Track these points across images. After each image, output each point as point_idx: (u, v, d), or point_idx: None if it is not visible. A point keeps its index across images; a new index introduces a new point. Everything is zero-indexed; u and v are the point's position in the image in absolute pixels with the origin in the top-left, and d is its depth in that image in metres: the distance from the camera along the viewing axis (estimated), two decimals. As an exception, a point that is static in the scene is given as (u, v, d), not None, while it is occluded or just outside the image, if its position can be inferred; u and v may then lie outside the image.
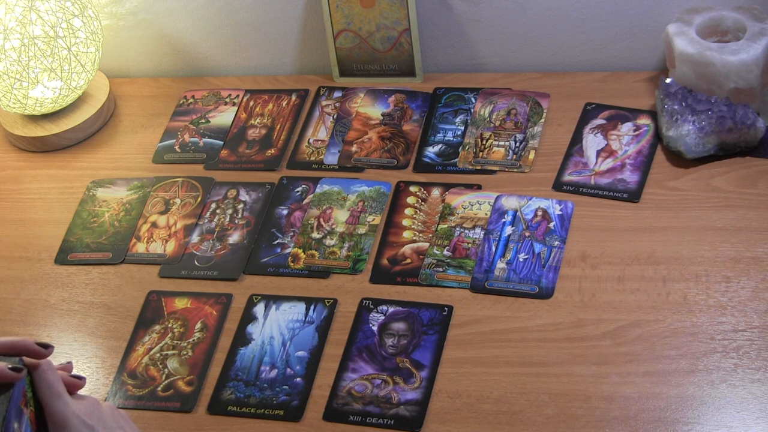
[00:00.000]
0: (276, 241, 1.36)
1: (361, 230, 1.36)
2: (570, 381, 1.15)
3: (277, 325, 1.26)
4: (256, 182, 1.45)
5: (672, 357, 1.15)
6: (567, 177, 1.37)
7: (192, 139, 1.54)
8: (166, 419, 1.19)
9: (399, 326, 1.24)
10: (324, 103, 1.55)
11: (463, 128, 1.46)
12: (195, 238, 1.39)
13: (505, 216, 1.33)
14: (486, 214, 1.34)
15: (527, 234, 1.31)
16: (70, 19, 1.48)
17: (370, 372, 1.20)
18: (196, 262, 1.36)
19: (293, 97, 1.57)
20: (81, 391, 0.94)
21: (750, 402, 1.10)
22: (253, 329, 1.26)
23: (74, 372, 1.23)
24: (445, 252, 1.31)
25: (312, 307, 1.27)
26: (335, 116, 1.53)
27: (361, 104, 1.53)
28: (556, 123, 1.45)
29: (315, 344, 1.23)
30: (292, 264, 1.33)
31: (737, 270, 1.23)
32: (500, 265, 1.28)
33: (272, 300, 1.29)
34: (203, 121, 1.56)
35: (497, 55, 1.57)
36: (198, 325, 1.28)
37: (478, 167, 1.41)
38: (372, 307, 1.26)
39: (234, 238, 1.38)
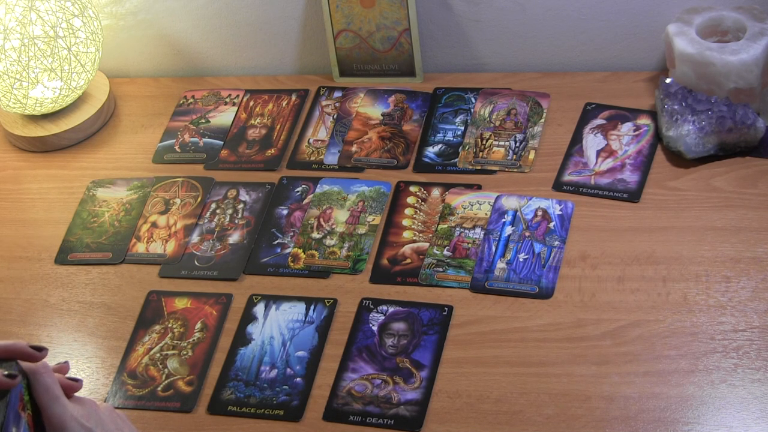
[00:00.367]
0: (276, 241, 1.36)
1: (361, 230, 1.36)
2: (570, 381, 1.15)
3: (277, 325, 1.26)
4: (256, 182, 1.45)
5: (672, 357, 1.15)
6: (567, 177, 1.37)
7: (192, 139, 1.54)
8: (166, 419, 1.19)
9: (399, 326, 1.24)
10: (324, 103, 1.55)
11: (463, 128, 1.46)
12: (195, 238, 1.39)
13: (505, 216, 1.33)
14: (486, 214, 1.34)
15: (527, 234, 1.31)
16: (70, 19, 1.48)
17: (370, 372, 1.20)
18: (196, 262, 1.36)
19: (293, 97, 1.57)
20: (79, 393, 0.94)
21: (750, 402, 1.10)
22: (253, 329, 1.26)
23: (73, 371, 1.24)
24: (445, 252, 1.31)
25: (312, 307, 1.27)
26: (335, 116, 1.53)
27: (361, 104, 1.54)
28: (556, 123, 1.45)
29: (315, 344, 1.23)
30: (292, 264, 1.33)
31: (737, 270, 1.23)
32: (500, 265, 1.28)
33: (272, 300, 1.29)
34: (203, 121, 1.56)
35: (497, 55, 1.57)
36: (198, 325, 1.28)
37: (478, 167, 1.41)
38: (372, 307, 1.26)
39: (234, 238, 1.38)
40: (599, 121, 1.44)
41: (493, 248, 1.30)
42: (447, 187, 1.39)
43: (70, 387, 0.91)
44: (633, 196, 1.33)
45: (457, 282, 1.27)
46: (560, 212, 1.33)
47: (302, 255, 1.34)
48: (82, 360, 1.27)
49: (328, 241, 1.35)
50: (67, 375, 0.92)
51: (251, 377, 1.21)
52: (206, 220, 1.41)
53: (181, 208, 1.43)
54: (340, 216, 1.38)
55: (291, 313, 1.27)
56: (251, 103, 1.57)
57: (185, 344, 1.26)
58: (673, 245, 1.27)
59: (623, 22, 1.50)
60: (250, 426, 1.17)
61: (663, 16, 1.47)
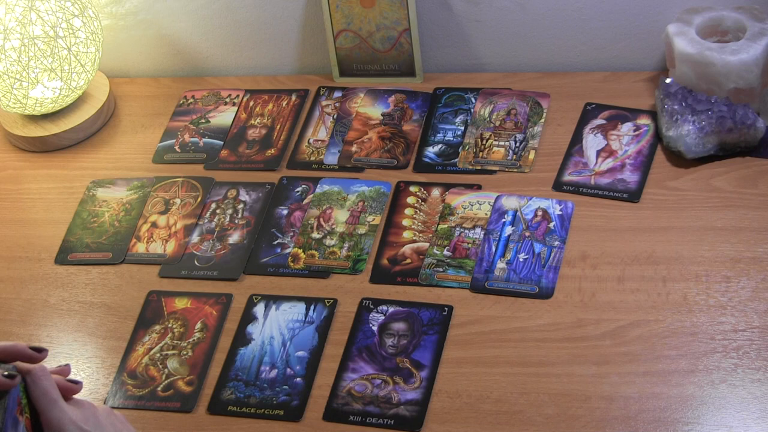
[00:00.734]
0: (276, 241, 1.36)
1: (361, 230, 1.36)
2: (570, 381, 1.15)
3: (277, 325, 1.26)
4: (256, 182, 1.45)
5: (672, 357, 1.15)
6: (567, 177, 1.37)
7: (192, 139, 1.54)
8: (166, 419, 1.19)
9: (399, 326, 1.24)
10: (324, 103, 1.55)
11: (463, 128, 1.46)
12: (195, 238, 1.39)
13: (505, 216, 1.33)
14: (486, 214, 1.34)
15: (527, 234, 1.31)
16: (70, 19, 1.48)
17: (370, 372, 1.20)
18: (196, 262, 1.36)
19: (293, 97, 1.57)
20: (80, 393, 0.94)
21: (750, 402, 1.10)
22: (253, 329, 1.26)
23: (73, 371, 1.24)
24: (445, 252, 1.31)
25: (312, 307, 1.27)
26: (335, 116, 1.53)
27: (361, 104, 1.53)
28: (556, 123, 1.45)
29: (315, 344, 1.23)
30: (292, 264, 1.33)
31: (737, 270, 1.23)
32: (500, 265, 1.28)
33: (272, 300, 1.29)
34: (203, 121, 1.56)
35: (497, 55, 1.57)
36: (198, 325, 1.28)
37: (478, 167, 1.41)
38: (372, 307, 1.26)
39: (234, 238, 1.38)
40: (599, 121, 1.44)
41: (493, 248, 1.30)
42: (447, 187, 1.39)
43: (70, 389, 0.91)
44: (633, 196, 1.33)
45: (457, 282, 1.27)
46: (560, 212, 1.33)
47: (302, 255, 1.34)
48: (82, 360, 1.27)
49: (328, 241, 1.35)
50: (68, 378, 0.92)
51: (251, 377, 1.21)
52: (206, 220, 1.41)
53: (181, 208, 1.43)
54: (340, 216, 1.38)
55: (291, 313, 1.27)
56: (251, 103, 1.57)
57: (185, 344, 1.26)
58: (673, 245, 1.27)
59: (623, 22, 1.50)
60: (250, 426, 1.17)
61: (663, 16, 1.47)
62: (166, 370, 1.24)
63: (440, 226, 1.34)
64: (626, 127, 1.42)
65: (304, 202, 1.41)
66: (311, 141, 1.50)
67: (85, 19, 1.50)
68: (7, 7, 1.44)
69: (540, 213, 1.33)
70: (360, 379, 1.19)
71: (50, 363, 0.94)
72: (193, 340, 1.27)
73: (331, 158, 1.47)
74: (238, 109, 1.57)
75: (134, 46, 1.66)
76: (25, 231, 1.45)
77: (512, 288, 1.25)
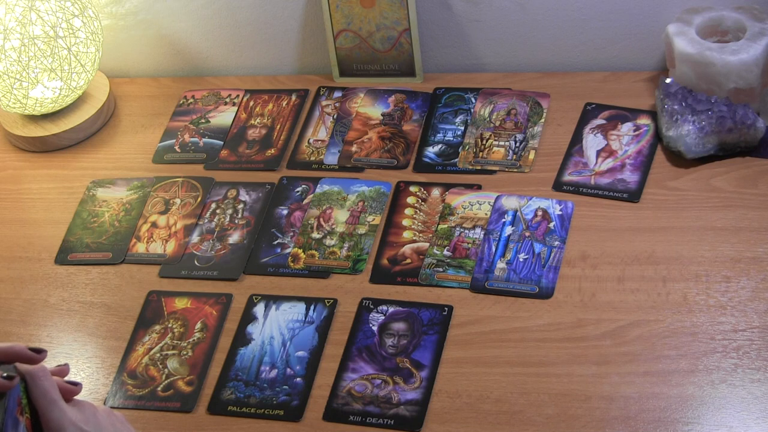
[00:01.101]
0: (276, 241, 1.36)
1: (361, 230, 1.36)
2: (570, 381, 1.15)
3: (277, 325, 1.26)
4: (256, 182, 1.45)
5: (672, 357, 1.15)
6: (567, 177, 1.37)
7: (192, 139, 1.54)
8: (166, 419, 1.19)
9: (399, 326, 1.24)
10: (324, 103, 1.55)
11: (463, 128, 1.46)
12: (195, 238, 1.39)
13: (505, 216, 1.33)
14: (486, 214, 1.34)
15: (527, 234, 1.31)
16: (70, 19, 1.48)
17: (370, 372, 1.20)
18: (196, 262, 1.36)
19: (293, 97, 1.57)
20: (79, 395, 0.94)
21: (750, 402, 1.10)
22: (253, 329, 1.26)
23: (73, 371, 1.24)
24: (445, 252, 1.31)
25: (312, 307, 1.27)
26: (335, 116, 1.53)
27: (361, 104, 1.54)
28: (556, 123, 1.45)
29: (315, 344, 1.23)
30: (292, 264, 1.33)
31: (737, 270, 1.23)
32: (500, 265, 1.28)
33: (272, 300, 1.29)
34: (203, 121, 1.56)
35: (497, 55, 1.57)
36: (198, 325, 1.28)
37: (478, 167, 1.41)
38: (372, 307, 1.26)
39: (234, 238, 1.38)
40: (599, 121, 1.44)
41: (493, 248, 1.30)
42: (447, 187, 1.39)
43: (70, 391, 0.91)
44: (633, 196, 1.33)
45: (457, 282, 1.27)
46: (560, 212, 1.33)
47: (302, 255, 1.34)
48: (82, 360, 1.27)
49: (328, 241, 1.35)
50: (67, 379, 0.92)
51: (251, 377, 1.21)
52: (206, 220, 1.41)
53: (181, 208, 1.43)
54: (340, 216, 1.38)
55: (291, 313, 1.27)
56: (251, 103, 1.57)
57: (185, 344, 1.26)
58: (673, 245, 1.27)
59: (623, 22, 1.50)
60: (250, 426, 1.17)
61: (663, 16, 1.47)
62: (166, 370, 1.24)
63: (440, 226, 1.34)
64: (626, 127, 1.42)
65: (304, 202, 1.41)
66: (311, 141, 1.50)
67: (85, 19, 1.50)
68: (7, 7, 1.44)
69: (540, 213, 1.33)
70: (360, 379, 1.19)
71: (50, 363, 0.94)
72: (193, 340, 1.27)
73: (331, 158, 1.47)
74: (238, 109, 1.57)
75: (134, 46, 1.66)
76: (25, 231, 1.45)
77: (512, 288, 1.25)
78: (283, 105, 1.56)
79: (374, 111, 1.52)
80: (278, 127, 1.53)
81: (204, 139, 1.53)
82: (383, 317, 1.25)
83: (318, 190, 1.42)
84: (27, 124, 1.57)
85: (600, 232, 1.30)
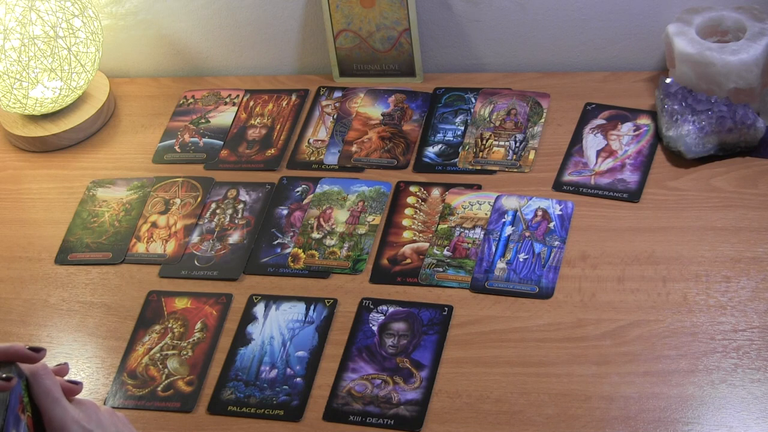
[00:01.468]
0: (276, 241, 1.36)
1: (361, 230, 1.36)
2: (570, 381, 1.15)
3: (277, 325, 1.26)
4: (256, 182, 1.45)
5: (672, 357, 1.15)
6: (567, 177, 1.37)
7: (192, 139, 1.54)
8: (166, 419, 1.19)
9: (399, 326, 1.24)
10: (324, 103, 1.55)
11: (463, 128, 1.46)
12: (195, 238, 1.39)
13: (505, 216, 1.33)
14: (486, 214, 1.34)
15: (527, 234, 1.31)
16: (70, 19, 1.48)
17: (370, 372, 1.20)
18: (196, 262, 1.36)
19: (293, 97, 1.57)
20: (78, 394, 0.94)
21: (750, 402, 1.10)
22: (253, 329, 1.26)
23: (73, 371, 1.24)
24: (445, 252, 1.31)
25: (312, 307, 1.27)
26: (335, 116, 1.53)
27: (361, 104, 1.54)
28: (556, 123, 1.45)
29: (315, 344, 1.23)
30: (292, 264, 1.33)
31: (737, 270, 1.23)
32: (500, 265, 1.28)
33: (272, 300, 1.29)
34: (203, 121, 1.56)
35: (497, 55, 1.57)
36: (198, 325, 1.28)
37: (478, 167, 1.41)
38: (372, 307, 1.26)
39: (234, 238, 1.38)
40: (599, 121, 1.44)
41: (493, 248, 1.30)
42: (447, 187, 1.39)
43: (71, 390, 0.91)
44: (633, 196, 1.33)
45: (457, 282, 1.27)
46: (560, 212, 1.33)
47: (302, 255, 1.34)
48: (82, 360, 1.27)
49: (328, 241, 1.35)
50: (68, 378, 0.92)
51: (251, 377, 1.21)
52: (206, 220, 1.41)
53: (181, 208, 1.43)
54: (340, 216, 1.38)
55: (291, 313, 1.27)
56: (251, 103, 1.57)
57: (185, 344, 1.26)
58: (673, 245, 1.27)
59: (623, 22, 1.50)
60: (250, 426, 1.17)
61: (663, 16, 1.47)
62: (166, 370, 1.24)
63: (440, 226, 1.34)
64: (626, 127, 1.42)
65: (304, 202, 1.41)
66: (311, 141, 1.50)
67: (85, 19, 1.50)
68: (7, 7, 1.44)
69: (540, 213, 1.33)
70: (360, 379, 1.19)
71: (50, 363, 0.93)
72: (193, 340, 1.27)
73: (331, 158, 1.47)
74: (238, 109, 1.57)
75: (134, 46, 1.66)
76: (25, 231, 1.45)
77: (512, 288, 1.25)
78: (283, 105, 1.56)
79: (374, 111, 1.52)
80: (278, 127, 1.53)
81: (204, 139, 1.53)
82: (383, 317, 1.25)
83: (318, 190, 1.42)
84: (27, 124, 1.57)
85: (600, 232, 1.30)
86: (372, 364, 1.20)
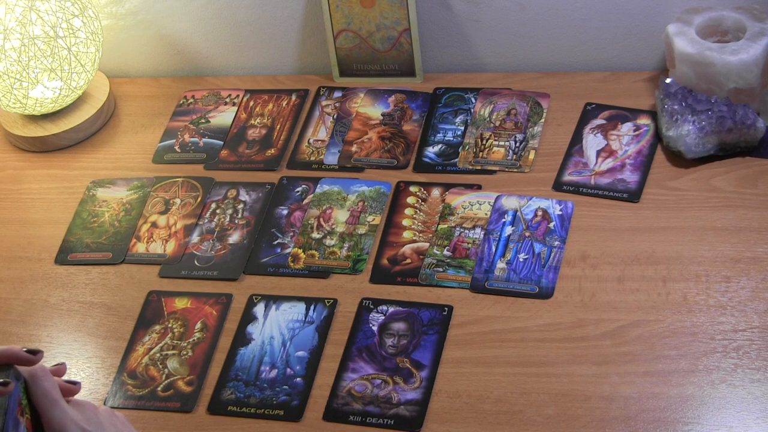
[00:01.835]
0: (276, 241, 1.36)
1: (361, 230, 1.36)
2: (570, 381, 1.15)
3: (277, 325, 1.26)
4: (256, 182, 1.45)
5: (672, 357, 1.15)
6: (567, 177, 1.37)
7: (192, 139, 1.54)
8: (166, 419, 1.19)
9: (399, 326, 1.24)
10: (324, 103, 1.55)
11: (463, 128, 1.46)
12: (195, 238, 1.39)
13: (505, 216, 1.33)
14: (486, 214, 1.34)
15: (527, 234, 1.31)
16: (70, 19, 1.48)
17: (370, 372, 1.20)
18: (196, 262, 1.36)
19: (293, 97, 1.57)
20: (80, 393, 0.94)
21: (750, 402, 1.10)
22: (253, 329, 1.26)
23: (73, 371, 1.24)
24: (445, 252, 1.31)
25: (312, 307, 1.27)
26: (335, 116, 1.53)
27: (361, 104, 1.54)
28: (556, 123, 1.45)
29: (315, 344, 1.23)
30: (292, 264, 1.33)
31: (737, 270, 1.23)
32: (500, 265, 1.28)
33: (272, 300, 1.29)
34: (203, 121, 1.56)
35: (497, 55, 1.57)
36: (198, 325, 1.28)
37: (478, 167, 1.41)
38: (372, 307, 1.26)
39: (234, 238, 1.38)
40: (599, 121, 1.44)
41: (493, 248, 1.30)
42: (447, 187, 1.39)
43: (69, 390, 0.90)
44: (633, 196, 1.33)
45: (457, 282, 1.27)
46: (560, 212, 1.33)
47: (302, 255, 1.34)
48: (82, 360, 1.27)
49: (328, 241, 1.35)
50: (66, 378, 0.92)
51: (251, 377, 1.21)
52: (206, 220, 1.41)
53: (181, 208, 1.43)
54: (340, 216, 1.38)
55: (291, 313, 1.27)
56: (251, 103, 1.57)
57: (185, 344, 1.26)
58: (673, 245, 1.27)
59: (623, 22, 1.50)
60: (250, 426, 1.17)
61: (663, 16, 1.47)
62: (166, 370, 1.24)
63: (440, 226, 1.34)
64: (626, 127, 1.42)
65: (304, 202, 1.41)
66: (311, 141, 1.50)
67: (85, 19, 1.50)
68: (7, 7, 1.44)
69: (540, 213, 1.33)
70: (360, 379, 1.19)
71: (49, 363, 0.94)
72: (193, 340, 1.27)
73: (331, 158, 1.47)
74: (238, 109, 1.57)
75: (134, 46, 1.66)
76: (25, 231, 1.45)
77: (512, 288, 1.25)
78: (283, 105, 1.56)
79: (374, 111, 1.52)
80: (278, 127, 1.53)
81: (204, 139, 1.53)
82: (383, 317, 1.25)
83: (318, 190, 1.42)
84: (27, 124, 1.57)
85: (600, 232, 1.30)
86: (372, 364, 1.20)
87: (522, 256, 1.28)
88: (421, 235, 1.34)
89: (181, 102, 1.60)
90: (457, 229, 1.33)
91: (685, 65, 1.39)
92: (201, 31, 1.63)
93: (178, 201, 1.44)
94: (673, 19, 1.43)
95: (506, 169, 1.40)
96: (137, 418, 1.20)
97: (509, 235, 1.31)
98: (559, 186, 1.37)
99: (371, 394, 1.17)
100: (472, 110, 1.49)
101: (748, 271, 1.22)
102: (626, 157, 1.38)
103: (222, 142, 1.52)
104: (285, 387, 1.20)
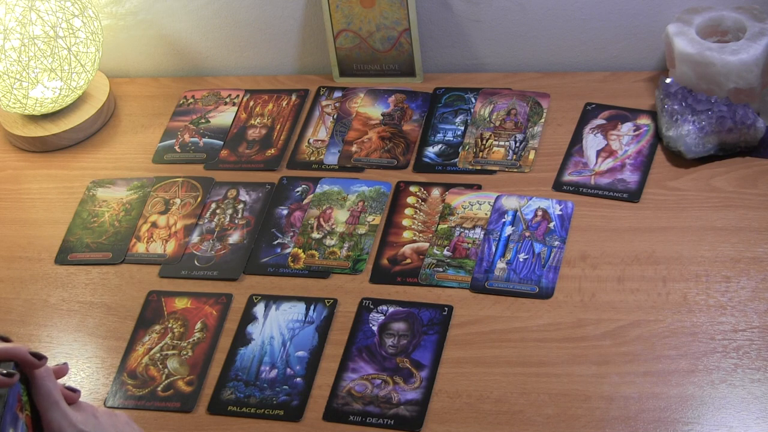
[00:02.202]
0: (276, 241, 1.36)
1: (361, 230, 1.36)
2: (570, 381, 1.15)
3: (277, 325, 1.26)
4: (256, 182, 1.45)
5: (672, 357, 1.15)
6: (567, 177, 1.37)
7: (192, 139, 1.54)
8: (166, 419, 1.19)
9: (399, 326, 1.24)
10: (324, 103, 1.55)
11: (463, 128, 1.46)
12: (195, 238, 1.39)
13: (505, 216, 1.33)
14: (486, 214, 1.34)
15: (527, 234, 1.31)
16: (70, 19, 1.48)
17: (370, 372, 1.20)
18: (196, 262, 1.36)
19: (293, 97, 1.57)
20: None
21: (750, 402, 1.10)
22: (253, 329, 1.26)
23: (73, 371, 1.24)
24: (445, 252, 1.31)
25: (312, 307, 1.27)
26: (335, 116, 1.53)
27: (361, 104, 1.54)
28: (556, 123, 1.45)
29: (315, 344, 1.23)
30: (292, 264, 1.33)
31: (737, 270, 1.23)
32: (500, 265, 1.28)
33: (272, 300, 1.29)
34: (203, 121, 1.56)
35: (497, 55, 1.57)
36: (198, 325, 1.28)
37: (478, 167, 1.41)
38: (372, 307, 1.26)
39: (234, 238, 1.38)
40: (599, 121, 1.44)
41: (493, 248, 1.30)
42: (447, 187, 1.39)
43: (69, 397, 0.90)
44: (633, 196, 1.33)
45: (457, 282, 1.27)
46: (560, 212, 1.33)
47: (302, 255, 1.34)
48: (82, 360, 1.27)
49: (328, 241, 1.35)
50: (67, 385, 0.92)
51: (251, 377, 1.21)
52: (206, 220, 1.41)
53: (181, 208, 1.43)
54: (340, 216, 1.38)
55: (291, 313, 1.27)
56: (251, 103, 1.57)
57: (185, 344, 1.26)
58: (673, 245, 1.27)
59: (623, 22, 1.50)
60: (250, 426, 1.17)
61: (663, 16, 1.47)
62: (166, 370, 1.24)
63: (440, 226, 1.34)
64: (626, 127, 1.42)
65: (304, 202, 1.41)
66: (311, 141, 1.50)
67: (85, 19, 1.50)
68: (7, 7, 1.44)
69: (540, 213, 1.33)
70: (360, 379, 1.19)
71: (50, 363, 0.93)
72: (193, 340, 1.27)
73: (331, 158, 1.47)
74: (238, 109, 1.57)
75: (134, 46, 1.66)
76: (25, 231, 1.45)
77: (512, 288, 1.25)
78: (283, 105, 1.56)
79: (374, 111, 1.52)
80: (278, 127, 1.53)
81: (204, 139, 1.53)
82: (383, 317, 1.25)
83: (318, 190, 1.42)
84: (27, 124, 1.57)
85: (600, 232, 1.30)
86: (372, 364, 1.20)
87: (522, 256, 1.28)
88: (421, 235, 1.34)
89: (181, 102, 1.60)
90: (457, 229, 1.33)
91: (685, 65, 1.39)
92: (201, 31, 1.63)
93: (178, 201, 1.44)
94: (673, 19, 1.43)
95: (506, 169, 1.40)
96: (137, 418, 1.19)
97: (509, 235, 1.31)
98: (559, 186, 1.37)
99: (371, 394, 1.17)
100: (472, 110, 1.49)
101: (748, 271, 1.22)
102: (626, 157, 1.38)
103: (222, 142, 1.52)
104: (285, 387, 1.20)
